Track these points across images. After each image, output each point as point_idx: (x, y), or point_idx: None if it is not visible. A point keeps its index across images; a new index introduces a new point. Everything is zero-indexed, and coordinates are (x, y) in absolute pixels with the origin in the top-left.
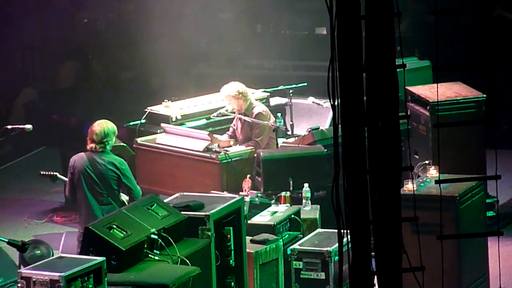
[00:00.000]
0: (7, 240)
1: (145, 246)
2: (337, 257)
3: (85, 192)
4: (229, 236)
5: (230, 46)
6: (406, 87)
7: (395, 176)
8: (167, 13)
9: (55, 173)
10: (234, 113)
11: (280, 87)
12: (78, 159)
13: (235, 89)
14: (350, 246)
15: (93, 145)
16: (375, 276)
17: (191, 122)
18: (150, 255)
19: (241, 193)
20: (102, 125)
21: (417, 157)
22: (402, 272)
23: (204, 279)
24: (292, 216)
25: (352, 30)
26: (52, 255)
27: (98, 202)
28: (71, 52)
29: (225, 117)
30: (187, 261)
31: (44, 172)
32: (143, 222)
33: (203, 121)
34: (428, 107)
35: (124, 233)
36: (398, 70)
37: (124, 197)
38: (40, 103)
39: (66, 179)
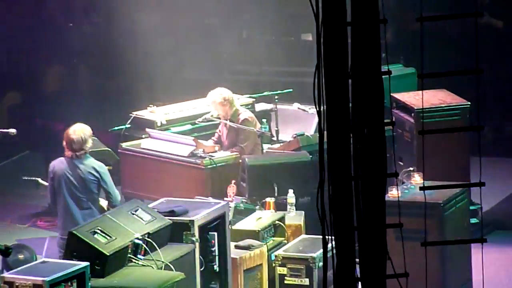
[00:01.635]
0: None
1: (129, 251)
2: (321, 263)
3: (65, 197)
4: (213, 241)
5: (216, 51)
6: (391, 94)
7: (380, 182)
8: (153, 18)
9: (37, 178)
10: (220, 118)
11: (265, 93)
12: (58, 163)
13: (221, 95)
14: (334, 252)
15: (72, 153)
16: (359, 282)
17: (176, 127)
18: (134, 260)
19: (225, 198)
20: (79, 132)
21: (401, 163)
22: (386, 279)
23: (188, 284)
24: (277, 222)
25: (338, 37)
26: (36, 260)
27: (78, 206)
28: (56, 56)
29: (210, 123)
30: (171, 266)
31: (27, 178)
32: (127, 227)
33: (188, 127)
34: (413, 114)
35: (108, 238)
36: (383, 76)
37: (103, 203)
38: (24, 107)
39: (47, 184)
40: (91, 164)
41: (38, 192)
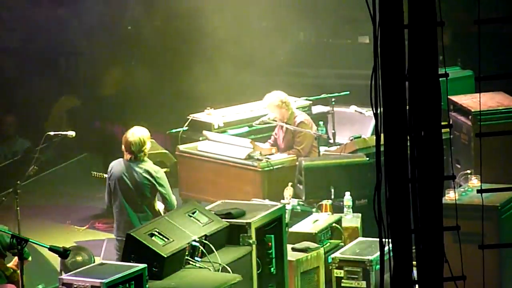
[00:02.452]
0: (48, 246)
1: (187, 253)
2: (378, 266)
3: (121, 199)
4: (270, 244)
5: (273, 54)
6: (448, 96)
7: (437, 185)
8: (209, 22)
9: (105, 175)
10: (276, 121)
11: (322, 96)
12: (116, 165)
13: (278, 98)
14: (391, 255)
15: (132, 156)
16: (417, 285)
17: (233, 129)
18: (191, 262)
19: (282, 201)
20: (137, 135)
21: (459, 166)
22: (444, 281)
23: (245, 286)
24: (334, 224)
25: (395, 39)
26: (94, 262)
27: (133, 209)
28: (114, 59)
29: (267, 125)
30: (229, 268)
31: (96, 174)
32: (185, 229)
33: (245, 129)
34: (470, 116)
35: (166, 240)
36: (440, 79)
37: (160, 206)
38: (83, 110)
39: None
40: (148, 168)
41: (97, 192)
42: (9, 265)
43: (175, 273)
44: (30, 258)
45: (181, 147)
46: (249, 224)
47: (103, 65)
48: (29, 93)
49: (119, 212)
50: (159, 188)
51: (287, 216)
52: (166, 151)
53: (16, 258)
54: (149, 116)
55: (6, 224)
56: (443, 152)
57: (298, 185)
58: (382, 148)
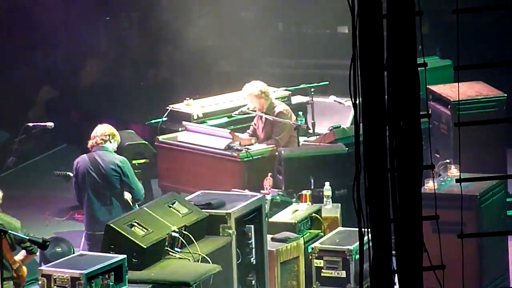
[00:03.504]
0: (28, 238)
1: (166, 244)
2: (357, 256)
3: (88, 193)
4: (250, 234)
5: (252, 44)
6: (427, 86)
7: (416, 175)
8: (189, 12)
9: (68, 173)
10: (256, 111)
11: (301, 86)
12: (81, 160)
13: (257, 88)
14: (370, 244)
15: (93, 140)
16: (396, 275)
17: (212, 120)
18: (171, 253)
19: (262, 191)
20: (106, 125)
21: (438, 156)
22: (423, 271)
23: (225, 277)
24: (313, 214)
25: (374, 29)
26: (73, 253)
27: (101, 201)
28: (93, 50)
29: (246, 116)
30: (208, 259)
31: (58, 173)
32: (164, 219)
33: (225, 119)
34: (449, 106)
35: (145, 230)
36: (419, 69)
37: (128, 196)
38: (62, 101)
39: None
40: (113, 159)
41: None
42: (16, 257)
43: (155, 263)
44: (38, 253)
45: (161, 138)
46: (228, 214)
47: (81, 55)
48: (6, 84)
49: (88, 207)
50: (124, 179)
51: (266, 206)
52: (145, 142)
53: (23, 251)
54: (128, 107)
55: None
56: (422, 142)
57: (278, 175)
58: (361, 138)
